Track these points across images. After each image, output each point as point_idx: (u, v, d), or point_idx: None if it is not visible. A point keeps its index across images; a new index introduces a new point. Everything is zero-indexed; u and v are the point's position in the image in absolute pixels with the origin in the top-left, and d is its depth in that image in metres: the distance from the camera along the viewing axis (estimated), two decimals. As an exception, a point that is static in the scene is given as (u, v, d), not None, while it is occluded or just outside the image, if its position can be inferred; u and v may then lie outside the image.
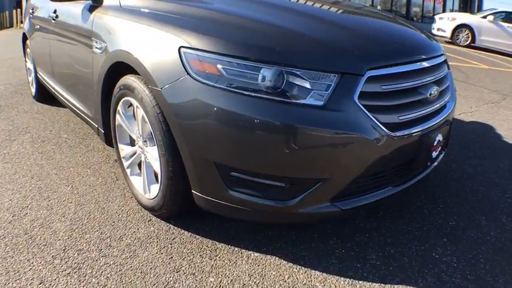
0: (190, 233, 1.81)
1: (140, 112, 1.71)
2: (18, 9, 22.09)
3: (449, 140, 2.14)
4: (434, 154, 1.76)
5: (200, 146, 1.44)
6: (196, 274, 1.54)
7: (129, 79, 1.73)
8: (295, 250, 1.70)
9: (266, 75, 1.33)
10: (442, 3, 19.03)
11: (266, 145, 1.35)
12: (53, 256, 1.65)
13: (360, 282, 1.53)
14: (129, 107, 1.86)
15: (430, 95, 1.63)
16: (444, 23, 10.62)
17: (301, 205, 1.43)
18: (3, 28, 23.00)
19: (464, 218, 2.06)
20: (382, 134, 1.41)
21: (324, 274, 1.56)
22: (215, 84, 1.37)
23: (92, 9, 2.17)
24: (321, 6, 2.13)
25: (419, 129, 1.57)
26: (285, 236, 1.79)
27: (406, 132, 1.50)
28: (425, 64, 1.65)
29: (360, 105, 1.36)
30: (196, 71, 1.40)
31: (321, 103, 1.33)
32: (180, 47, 1.45)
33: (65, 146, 2.86)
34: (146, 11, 1.79)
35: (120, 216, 1.96)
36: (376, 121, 1.39)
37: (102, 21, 2.00)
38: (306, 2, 2.24)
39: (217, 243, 1.74)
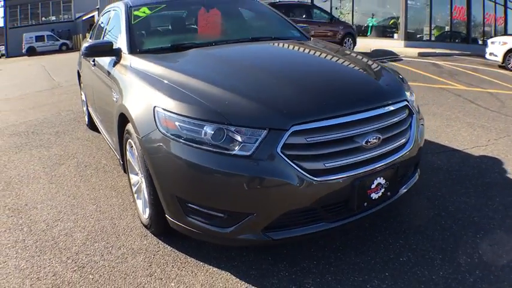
0: (171, 248, 2.35)
1: (135, 152, 2.33)
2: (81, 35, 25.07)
3: (405, 179, 2.37)
4: (374, 196, 2.04)
5: (165, 182, 2.00)
6: (163, 279, 2.08)
7: (129, 126, 2.36)
8: (246, 268, 2.16)
9: (208, 131, 1.85)
10: (503, 24, 17.94)
11: (208, 185, 1.86)
12: (67, 257, 2.31)
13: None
14: (131, 147, 2.48)
15: (367, 143, 1.94)
16: (496, 48, 10.25)
17: (237, 232, 1.90)
18: (77, 50, 26.22)
19: (419, 255, 2.24)
20: (304, 180, 1.79)
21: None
22: (174, 138, 1.92)
23: (114, 64, 2.87)
24: (282, 57, 2.64)
25: (350, 174, 1.89)
26: (244, 257, 2.25)
27: (332, 177, 1.85)
28: (361, 116, 1.97)
29: (281, 155, 1.78)
30: (163, 126, 1.97)
31: (248, 153, 1.80)
32: (154, 107, 2.04)
33: (101, 171, 3.61)
34: (143, 73, 2.43)
35: (125, 231, 2.58)
36: (298, 168, 1.78)
37: (118, 77, 2.69)
38: (272, 53, 2.79)
39: (188, 257, 2.26)
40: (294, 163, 1.80)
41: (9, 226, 2.74)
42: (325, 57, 2.82)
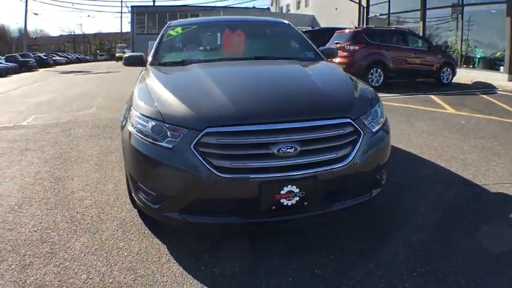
0: (138, 220, 2.98)
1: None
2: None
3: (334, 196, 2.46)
4: (286, 202, 2.24)
5: (127, 165, 2.66)
6: (121, 237, 2.72)
7: None
8: (179, 244, 2.67)
9: (150, 125, 2.44)
10: None
11: (144, 168, 2.45)
12: (69, 214, 3.12)
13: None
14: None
15: (279, 151, 2.17)
16: None
17: (162, 210, 2.41)
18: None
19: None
20: (210, 174, 2.16)
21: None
22: (132, 129, 2.56)
23: (142, 71, 3.61)
24: (256, 72, 3.14)
25: (256, 176, 2.18)
26: (202, 258, 2.68)
27: (236, 176, 2.17)
28: (277, 126, 2.24)
29: (194, 150, 2.18)
30: (131, 121, 2.62)
31: (170, 146, 2.28)
32: (130, 106, 2.73)
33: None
34: (144, 81, 3.00)
35: (121, 204, 3.32)
36: (206, 164, 2.16)
37: (137, 81, 3.36)
38: (250, 70, 3.27)
39: (147, 229, 2.86)
40: (204, 159, 2.18)
41: (46, 188, 3.73)
42: (294, 73, 3.15)
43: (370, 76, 10.68)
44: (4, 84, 17.01)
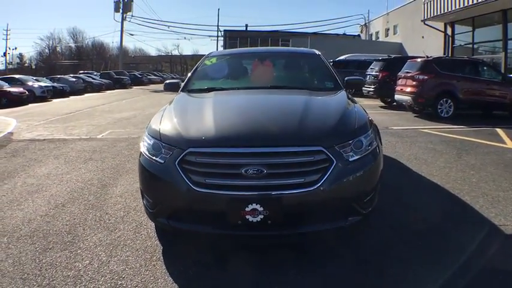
0: (158, 244, 3.50)
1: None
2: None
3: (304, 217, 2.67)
4: (252, 219, 2.53)
5: (139, 178, 3.20)
6: (130, 262, 3.27)
7: None
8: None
9: (151, 143, 2.97)
10: None
11: (145, 178, 2.97)
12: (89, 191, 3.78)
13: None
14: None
15: (246, 172, 2.52)
16: None
17: (156, 215, 2.91)
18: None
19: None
20: (188, 188, 2.58)
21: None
22: (141, 148, 3.10)
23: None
24: (261, 102, 3.54)
25: (225, 192, 2.54)
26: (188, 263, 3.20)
27: (208, 191, 2.54)
28: (246, 150, 2.61)
29: (177, 166, 2.63)
30: (142, 141, 3.18)
31: (162, 161, 2.77)
32: (146, 131, 3.28)
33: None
34: (168, 106, 3.63)
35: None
36: (185, 178, 2.58)
37: None
38: (258, 99, 3.67)
39: (159, 255, 3.38)
40: (185, 174, 2.61)
41: (91, 192, 4.52)
42: (292, 103, 3.43)
43: (439, 107, 10.39)
44: (95, 99, 19.43)
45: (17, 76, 24.86)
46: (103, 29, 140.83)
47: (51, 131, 9.72)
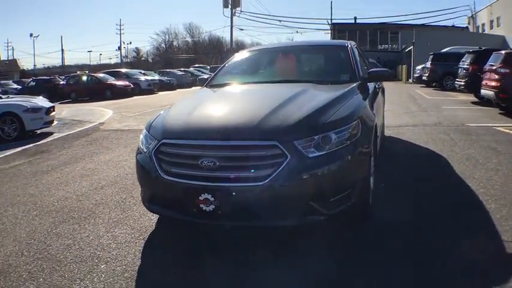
0: (153, 229, 4.01)
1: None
2: (404, 66, 27.22)
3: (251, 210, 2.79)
4: (205, 208, 2.78)
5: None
6: (118, 237, 3.82)
7: None
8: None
9: (143, 134, 3.42)
10: None
11: (136, 166, 3.43)
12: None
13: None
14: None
15: (202, 163, 2.78)
16: None
17: (144, 200, 3.35)
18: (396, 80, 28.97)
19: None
20: (158, 175, 2.96)
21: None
22: (140, 146, 3.58)
23: None
24: (256, 96, 3.77)
25: (183, 181, 2.86)
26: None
27: (172, 179, 2.90)
28: (203, 142, 2.89)
29: (153, 156, 3.02)
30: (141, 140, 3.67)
31: (146, 151, 3.22)
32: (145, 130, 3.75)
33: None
34: None
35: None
36: (157, 167, 2.96)
37: None
38: (257, 93, 3.90)
39: (146, 238, 3.87)
40: (158, 163, 3.00)
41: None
42: (280, 98, 3.41)
43: (524, 103, 9.30)
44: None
45: (123, 70, 28.16)
46: (218, 24, 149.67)
47: (139, 121, 10.95)
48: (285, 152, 2.72)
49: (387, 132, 7.22)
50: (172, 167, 2.97)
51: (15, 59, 73.02)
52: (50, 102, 11.11)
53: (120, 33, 70.54)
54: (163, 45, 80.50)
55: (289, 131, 2.86)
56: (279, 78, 4.38)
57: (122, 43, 71.79)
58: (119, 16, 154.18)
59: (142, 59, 79.60)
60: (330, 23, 44.94)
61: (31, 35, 71.02)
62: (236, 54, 5.20)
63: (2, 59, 67.45)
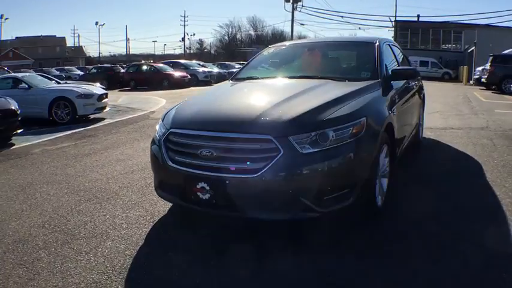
0: (165, 214, 4.28)
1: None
2: (466, 67, 26.00)
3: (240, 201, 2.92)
4: (202, 196, 2.97)
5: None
6: (131, 218, 4.12)
7: None
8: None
9: (159, 125, 3.63)
10: None
11: (151, 154, 3.72)
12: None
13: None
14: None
15: (201, 153, 2.97)
16: None
17: (156, 187, 3.58)
18: (459, 81, 27.63)
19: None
20: (164, 162, 3.20)
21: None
22: (155, 135, 3.85)
23: None
24: (268, 90, 3.90)
25: (184, 169, 3.06)
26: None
27: (176, 166, 3.11)
28: (202, 133, 3.06)
29: (163, 144, 3.26)
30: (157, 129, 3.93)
31: (158, 138, 3.46)
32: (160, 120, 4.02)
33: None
34: None
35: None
36: (166, 153, 3.20)
37: None
38: (271, 87, 4.03)
39: (155, 220, 4.14)
40: (166, 151, 3.23)
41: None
42: (280, 93, 3.58)
43: None
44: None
45: (182, 61, 29.21)
46: (281, 18, 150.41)
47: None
48: (279, 146, 2.81)
49: (428, 134, 7.06)
50: (176, 155, 3.18)
51: (81, 46, 78.16)
52: (107, 89, 11.91)
53: (184, 25, 72.87)
54: (226, 37, 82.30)
55: (285, 126, 2.93)
56: (298, 74, 4.45)
57: (186, 34, 74.40)
58: (183, 8, 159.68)
59: (205, 50, 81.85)
60: (392, 20, 44.13)
61: (96, 23, 75.25)
62: (266, 49, 5.34)
63: (68, 45, 72.38)
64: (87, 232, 3.38)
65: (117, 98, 16.59)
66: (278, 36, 78.67)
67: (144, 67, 25.34)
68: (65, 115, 9.60)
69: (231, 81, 4.68)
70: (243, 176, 2.86)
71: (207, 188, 2.96)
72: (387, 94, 3.91)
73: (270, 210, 2.92)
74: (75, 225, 3.53)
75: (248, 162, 2.86)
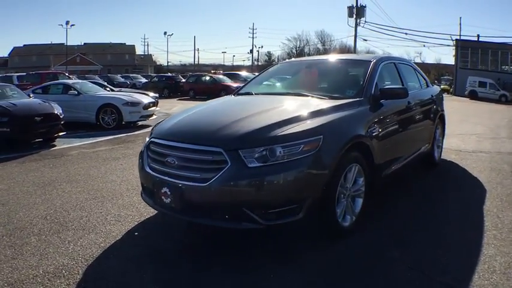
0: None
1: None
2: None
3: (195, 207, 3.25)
4: (165, 200, 3.34)
5: None
6: (122, 217, 4.64)
7: None
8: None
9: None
10: None
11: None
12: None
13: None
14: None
15: (166, 161, 3.38)
16: None
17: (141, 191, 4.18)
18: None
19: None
20: (144, 167, 3.63)
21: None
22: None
23: None
24: (243, 105, 4.27)
25: (154, 174, 3.47)
26: None
27: (150, 172, 3.52)
28: (170, 143, 3.44)
29: (145, 150, 3.75)
30: None
31: (143, 149, 3.99)
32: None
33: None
34: None
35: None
36: (146, 160, 3.64)
37: None
38: (247, 103, 4.38)
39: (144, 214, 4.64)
40: (147, 157, 3.66)
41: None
42: (249, 109, 3.90)
43: None
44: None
45: (242, 73, 30.27)
46: (345, 33, 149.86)
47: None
48: (227, 159, 3.10)
49: (451, 157, 6.98)
50: (152, 162, 3.65)
51: (151, 54, 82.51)
52: (167, 97, 12.79)
53: (253, 37, 74.88)
54: (294, 50, 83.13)
55: (236, 140, 3.21)
56: (286, 91, 4.79)
57: (254, 46, 76.33)
58: (252, 20, 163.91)
59: (274, 63, 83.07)
60: (453, 38, 44.61)
61: (165, 33, 78.93)
62: (273, 65, 5.71)
63: (138, 53, 76.75)
64: (78, 225, 3.96)
65: (173, 106, 17.67)
66: (346, 51, 78.01)
67: (204, 78, 26.51)
68: (112, 121, 10.57)
69: (229, 96, 5.10)
70: (195, 184, 3.19)
71: (168, 192, 3.35)
72: (372, 113, 4.05)
73: (217, 218, 3.21)
74: (72, 218, 4.13)
75: (200, 172, 3.22)
